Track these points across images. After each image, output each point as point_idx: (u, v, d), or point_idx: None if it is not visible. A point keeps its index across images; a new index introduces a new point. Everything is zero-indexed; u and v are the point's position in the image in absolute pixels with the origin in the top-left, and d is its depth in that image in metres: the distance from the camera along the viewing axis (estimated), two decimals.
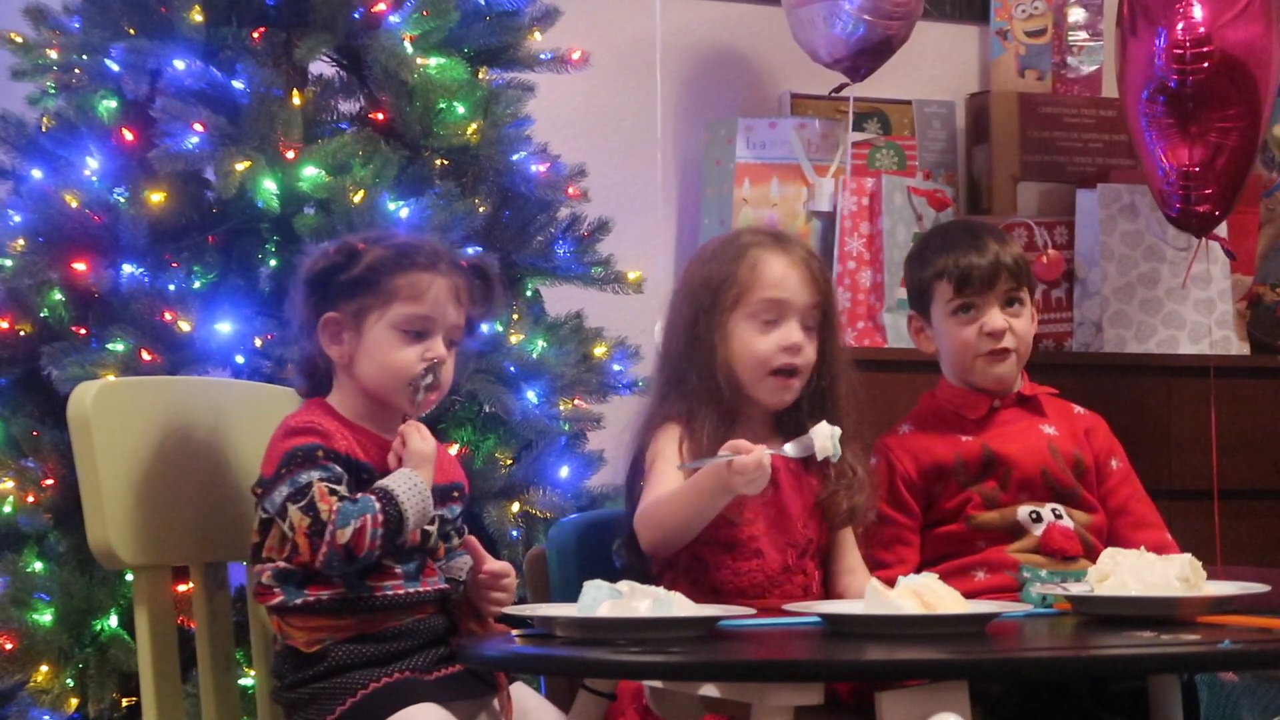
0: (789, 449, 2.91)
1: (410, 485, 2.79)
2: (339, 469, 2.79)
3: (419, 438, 2.84)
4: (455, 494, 2.97)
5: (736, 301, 3.07)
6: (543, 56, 4.09)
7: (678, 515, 2.95)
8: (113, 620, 3.73)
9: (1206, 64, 4.29)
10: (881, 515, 3.25)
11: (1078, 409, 3.47)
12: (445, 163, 3.90)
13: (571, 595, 2.70)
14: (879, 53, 4.55)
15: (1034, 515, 3.28)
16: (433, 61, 3.84)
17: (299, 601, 2.81)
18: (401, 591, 2.85)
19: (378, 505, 2.75)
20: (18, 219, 3.79)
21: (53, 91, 3.89)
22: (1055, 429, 3.38)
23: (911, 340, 3.51)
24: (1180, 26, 4.30)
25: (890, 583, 2.69)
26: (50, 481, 3.71)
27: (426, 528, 2.86)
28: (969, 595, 2.82)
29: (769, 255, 3.09)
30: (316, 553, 2.75)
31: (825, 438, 2.88)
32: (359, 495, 2.77)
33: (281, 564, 2.82)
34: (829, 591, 3.14)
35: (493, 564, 2.93)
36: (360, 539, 2.74)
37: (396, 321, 2.87)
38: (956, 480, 3.31)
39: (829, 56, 4.56)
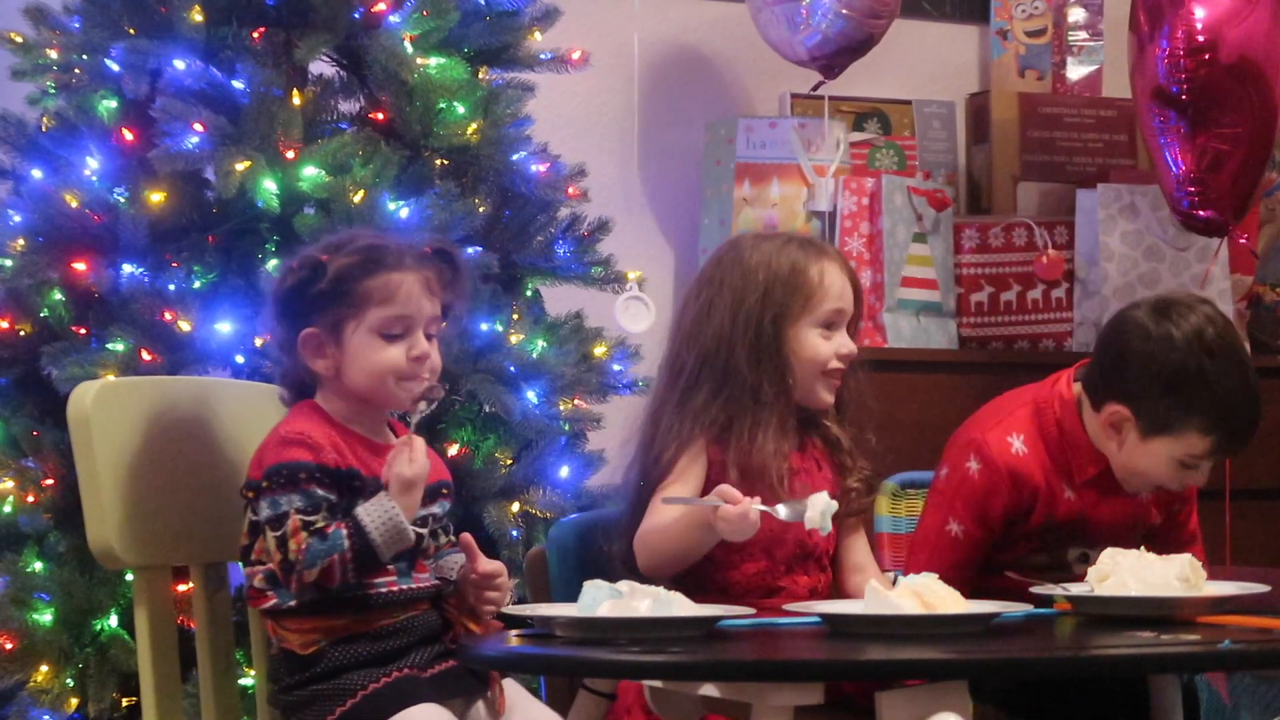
0: (781, 511, 2.87)
1: (384, 518, 2.76)
2: (320, 493, 2.78)
3: (406, 461, 2.80)
4: (444, 490, 2.96)
5: (805, 309, 3.11)
6: (542, 56, 4.09)
7: (671, 547, 2.99)
8: (113, 620, 3.73)
9: (1206, 71, 4.29)
10: (964, 533, 3.14)
11: None
12: (445, 163, 3.90)
13: (571, 595, 2.70)
14: (856, 50, 4.55)
15: (1082, 556, 3.15)
16: (433, 61, 3.84)
17: (292, 603, 2.81)
18: (395, 589, 2.85)
19: (347, 542, 2.74)
20: (18, 219, 3.79)
21: (53, 91, 3.89)
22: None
23: (1099, 425, 3.10)
24: (1181, 32, 4.31)
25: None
26: (50, 481, 3.71)
27: (419, 530, 2.86)
28: None
29: (829, 265, 3.14)
30: (288, 584, 2.77)
31: (818, 511, 2.84)
32: (331, 529, 2.75)
33: (272, 566, 2.82)
34: (836, 590, 3.14)
35: (486, 564, 2.91)
36: (329, 575, 2.75)
37: (375, 326, 2.86)
38: (1038, 533, 3.15)
39: (807, 55, 4.55)
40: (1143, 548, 2.85)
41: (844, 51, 4.53)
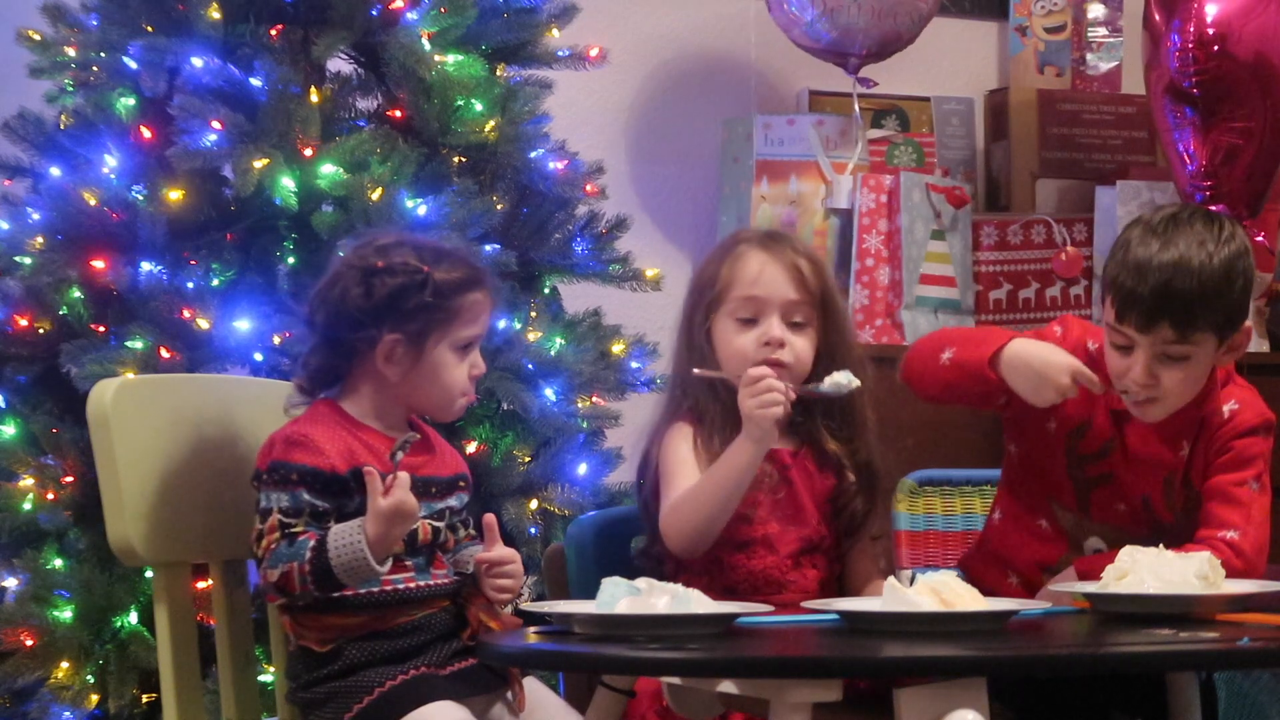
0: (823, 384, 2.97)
1: (346, 544, 2.74)
2: (307, 497, 2.79)
3: (390, 499, 2.73)
4: (461, 484, 2.97)
5: (718, 301, 3.10)
6: (560, 53, 4.09)
7: (709, 499, 2.96)
8: (133, 617, 3.74)
9: (1218, 64, 4.30)
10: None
11: (1230, 406, 3.11)
12: (463, 160, 3.91)
13: (590, 592, 2.70)
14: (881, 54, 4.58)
15: (1097, 550, 3.13)
16: (450, 58, 3.85)
17: (300, 601, 2.82)
18: (413, 585, 2.86)
19: (309, 555, 2.75)
20: (36, 217, 3.80)
21: (71, 89, 3.90)
22: (1193, 444, 3.10)
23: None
24: (1193, 27, 4.32)
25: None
26: (70, 479, 3.72)
27: (435, 524, 2.87)
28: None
29: (750, 252, 3.10)
30: (259, 577, 2.80)
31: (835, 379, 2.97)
32: (301, 536, 2.76)
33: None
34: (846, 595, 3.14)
35: (490, 552, 2.90)
36: (288, 581, 2.76)
37: (456, 343, 2.89)
38: (1064, 436, 3.13)
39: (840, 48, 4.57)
40: (1160, 545, 2.84)
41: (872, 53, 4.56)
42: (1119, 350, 3.00)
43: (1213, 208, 4.36)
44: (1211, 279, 2.94)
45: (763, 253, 3.10)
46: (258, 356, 3.67)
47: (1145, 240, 2.97)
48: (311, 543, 2.75)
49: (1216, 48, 4.31)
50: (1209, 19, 4.33)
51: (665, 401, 3.17)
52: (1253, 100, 4.36)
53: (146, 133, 3.80)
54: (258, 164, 3.66)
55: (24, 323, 3.82)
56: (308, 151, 3.71)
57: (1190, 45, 4.32)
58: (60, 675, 3.72)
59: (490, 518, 2.90)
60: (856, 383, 2.96)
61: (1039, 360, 3.01)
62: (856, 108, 4.69)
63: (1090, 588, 2.84)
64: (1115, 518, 3.12)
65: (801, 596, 3.00)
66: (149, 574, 3.51)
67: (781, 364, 3.05)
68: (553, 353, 3.89)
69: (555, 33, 4.08)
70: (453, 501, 2.94)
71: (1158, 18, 4.44)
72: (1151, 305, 2.93)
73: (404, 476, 2.75)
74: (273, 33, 3.82)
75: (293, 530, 2.77)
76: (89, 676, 3.72)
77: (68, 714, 3.72)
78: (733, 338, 3.07)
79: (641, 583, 2.63)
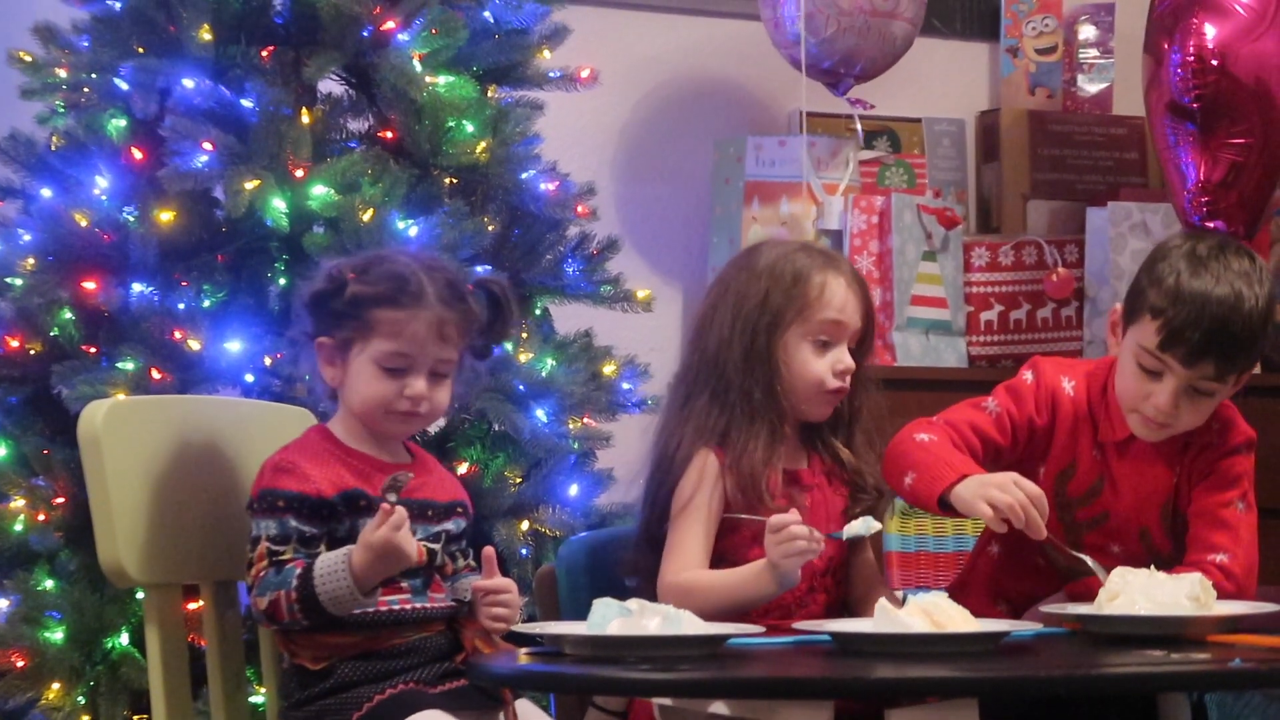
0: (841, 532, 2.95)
1: (331, 573, 2.74)
2: (293, 523, 2.79)
3: (381, 530, 2.72)
4: (459, 509, 2.97)
5: (798, 320, 3.07)
6: (552, 74, 4.09)
7: (715, 606, 2.91)
8: (124, 638, 3.73)
9: (1216, 79, 4.31)
10: (993, 411, 3.10)
11: (1214, 425, 3.09)
12: (454, 181, 3.91)
13: (581, 613, 2.70)
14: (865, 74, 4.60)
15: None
16: (442, 80, 3.85)
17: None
18: (409, 607, 2.86)
19: (295, 583, 2.75)
20: (27, 238, 3.80)
21: (62, 110, 3.90)
22: (1181, 466, 3.10)
23: (1105, 328, 3.12)
24: (1193, 45, 4.33)
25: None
26: (61, 500, 3.72)
27: (431, 546, 2.87)
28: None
29: (832, 278, 3.09)
30: (252, 603, 2.80)
31: (858, 523, 2.93)
32: (289, 564, 2.77)
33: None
34: (846, 608, 3.13)
35: (487, 580, 2.90)
36: (276, 609, 2.76)
37: (376, 357, 2.87)
38: (1052, 481, 3.11)
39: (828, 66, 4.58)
40: (1152, 567, 2.84)
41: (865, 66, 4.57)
42: (1146, 374, 2.97)
43: (1209, 224, 4.38)
44: (1259, 321, 2.95)
45: (842, 278, 3.10)
46: (249, 378, 3.67)
47: (1196, 271, 2.94)
48: (298, 571, 2.75)
49: (1216, 62, 4.33)
50: (1209, 38, 4.35)
51: (688, 400, 3.12)
52: (1251, 119, 4.37)
53: (137, 154, 3.80)
54: (249, 185, 3.66)
55: (15, 344, 3.82)
56: (299, 173, 3.71)
57: (1191, 61, 4.34)
58: (51, 696, 3.71)
59: (489, 550, 2.90)
60: (878, 526, 2.94)
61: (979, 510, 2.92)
62: (859, 126, 4.69)
63: (1082, 609, 2.84)
64: (1109, 560, 3.06)
65: (810, 620, 2.99)
66: (140, 595, 3.51)
67: (844, 391, 3.08)
68: (544, 374, 3.89)
69: (546, 54, 4.08)
70: (449, 526, 2.94)
71: (1159, 38, 4.45)
72: (1203, 342, 2.92)
73: (401, 512, 2.73)
74: (264, 54, 3.82)
75: (280, 558, 2.77)
76: (80, 698, 3.72)
77: None
78: (809, 359, 3.06)
79: (633, 604, 2.63)
